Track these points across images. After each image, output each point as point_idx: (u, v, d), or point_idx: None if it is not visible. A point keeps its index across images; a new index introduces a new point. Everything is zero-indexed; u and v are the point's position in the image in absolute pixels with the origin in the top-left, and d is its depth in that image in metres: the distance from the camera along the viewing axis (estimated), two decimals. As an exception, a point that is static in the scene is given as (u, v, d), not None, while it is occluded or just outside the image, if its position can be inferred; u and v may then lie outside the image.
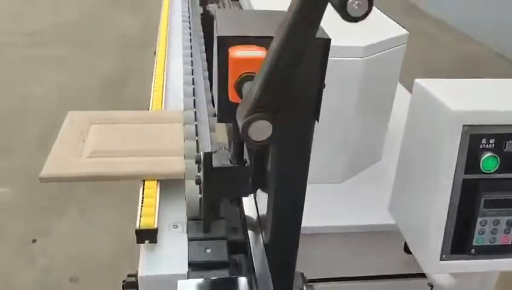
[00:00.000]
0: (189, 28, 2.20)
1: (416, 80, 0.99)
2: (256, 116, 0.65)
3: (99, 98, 3.72)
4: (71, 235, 2.69)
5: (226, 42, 0.79)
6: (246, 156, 1.02)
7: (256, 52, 0.78)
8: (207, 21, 2.28)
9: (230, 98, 0.80)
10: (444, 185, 0.91)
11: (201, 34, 2.08)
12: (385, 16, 1.48)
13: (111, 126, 1.38)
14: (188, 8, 2.52)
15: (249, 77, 0.78)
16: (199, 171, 1.10)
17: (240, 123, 0.66)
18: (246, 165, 1.01)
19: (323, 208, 1.28)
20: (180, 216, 1.16)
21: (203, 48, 1.91)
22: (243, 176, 1.02)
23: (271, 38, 0.79)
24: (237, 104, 0.80)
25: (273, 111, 0.65)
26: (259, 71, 0.66)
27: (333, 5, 0.48)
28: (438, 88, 0.95)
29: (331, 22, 1.18)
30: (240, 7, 2.00)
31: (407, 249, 1.13)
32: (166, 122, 1.42)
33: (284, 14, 0.92)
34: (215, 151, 1.05)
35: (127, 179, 1.22)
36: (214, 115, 0.88)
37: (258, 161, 1.05)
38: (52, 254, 2.58)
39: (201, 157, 0.99)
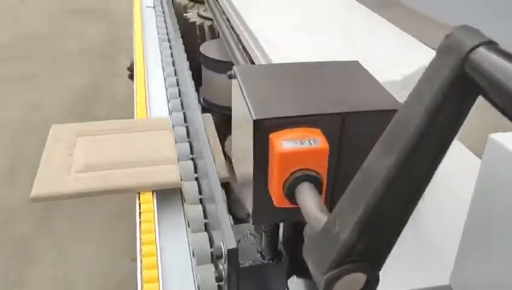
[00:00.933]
0: (167, 34, 2.02)
1: (492, 136, 0.78)
2: (349, 269, 0.42)
3: (70, 119, 3.37)
4: (49, 283, 2.40)
5: (267, 128, 0.56)
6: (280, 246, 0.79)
7: (312, 140, 0.55)
8: (186, 27, 2.12)
9: (275, 203, 0.57)
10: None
11: (180, 40, 1.87)
12: (413, 39, 1.28)
13: (98, 138, 1.30)
14: (163, 14, 2.29)
15: (305, 177, 0.55)
16: (215, 259, 0.87)
17: (320, 276, 0.43)
18: (281, 259, 0.78)
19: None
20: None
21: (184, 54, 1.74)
22: (278, 272, 0.79)
23: (326, 115, 0.57)
24: (284, 208, 0.58)
25: (371, 259, 0.42)
26: (348, 197, 0.42)
27: None
28: (525, 148, 0.74)
29: (354, 52, 0.92)
30: (222, 12, 1.78)
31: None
32: (154, 129, 1.35)
33: (329, 68, 0.70)
34: (240, 240, 0.81)
35: (122, 193, 1.15)
36: (247, 216, 0.64)
37: (294, 248, 0.82)
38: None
39: (224, 253, 0.76)
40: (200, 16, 2.11)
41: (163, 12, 2.28)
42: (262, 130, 0.56)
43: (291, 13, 1.38)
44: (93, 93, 3.83)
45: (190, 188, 1.14)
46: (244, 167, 0.64)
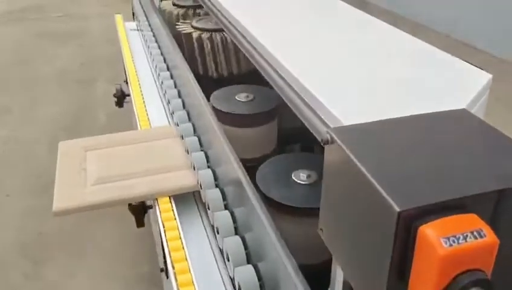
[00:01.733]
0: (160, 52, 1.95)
1: None
2: None
3: (51, 153, 3.11)
4: None
5: (414, 219, 0.44)
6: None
7: (476, 232, 0.43)
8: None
9: (427, 312, 0.45)
10: None
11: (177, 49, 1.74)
12: (462, 62, 1.18)
13: (107, 151, 1.35)
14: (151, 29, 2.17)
15: (473, 282, 0.43)
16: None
17: None
18: None
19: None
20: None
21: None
22: None
23: (482, 196, 0.45)
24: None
25: None
26: None
27: None
28: None
29: (410, 83, 0.85)
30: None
31: None
32: (159, 139, 1.39)
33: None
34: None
35: (140, 200, 1.21)
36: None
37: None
38: None
39: None
40: (194, 27, 1.96)
41: (155, 36, 2.13)
42: (408, 222, 0.44)
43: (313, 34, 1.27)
44: (74, 122, 3.61)
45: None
46: (363, 255, 0.51)
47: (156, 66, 1.90)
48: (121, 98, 2.51)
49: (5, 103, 3.93)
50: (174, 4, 2.26)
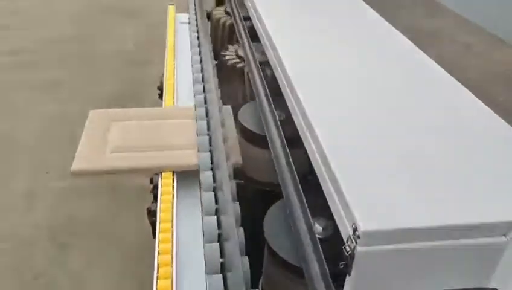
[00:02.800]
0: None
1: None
2: None
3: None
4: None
5: None
6: None
7: None
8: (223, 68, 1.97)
9: None
10: None
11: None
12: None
13: (130, 123, 1.47)
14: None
15: None
16: None
17: None
18: None
19: None
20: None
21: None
22: None
23: None
24: None
25: None
26: None
27: None
28: None
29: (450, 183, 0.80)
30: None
31: None
32: (178, 118, 1.51)
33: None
34: None
35: (147, 172, 1.35)
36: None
37: None
38: None
39: None
40: (238, 56, 1.92)
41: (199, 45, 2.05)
42: None
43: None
44: (121, 101, 3.60)
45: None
46: None
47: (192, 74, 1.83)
48: (164, 91, 2.50)
49: (59, 77, 3.99)
50: (226, 12, 2.24)
